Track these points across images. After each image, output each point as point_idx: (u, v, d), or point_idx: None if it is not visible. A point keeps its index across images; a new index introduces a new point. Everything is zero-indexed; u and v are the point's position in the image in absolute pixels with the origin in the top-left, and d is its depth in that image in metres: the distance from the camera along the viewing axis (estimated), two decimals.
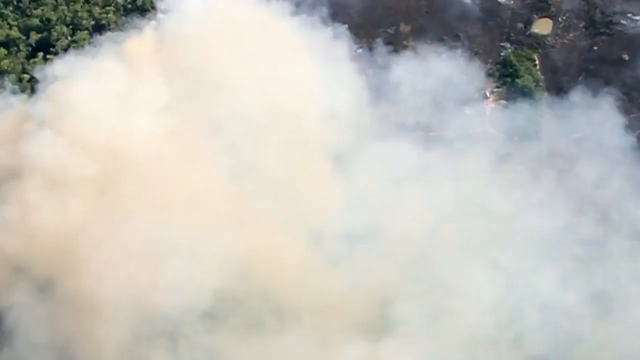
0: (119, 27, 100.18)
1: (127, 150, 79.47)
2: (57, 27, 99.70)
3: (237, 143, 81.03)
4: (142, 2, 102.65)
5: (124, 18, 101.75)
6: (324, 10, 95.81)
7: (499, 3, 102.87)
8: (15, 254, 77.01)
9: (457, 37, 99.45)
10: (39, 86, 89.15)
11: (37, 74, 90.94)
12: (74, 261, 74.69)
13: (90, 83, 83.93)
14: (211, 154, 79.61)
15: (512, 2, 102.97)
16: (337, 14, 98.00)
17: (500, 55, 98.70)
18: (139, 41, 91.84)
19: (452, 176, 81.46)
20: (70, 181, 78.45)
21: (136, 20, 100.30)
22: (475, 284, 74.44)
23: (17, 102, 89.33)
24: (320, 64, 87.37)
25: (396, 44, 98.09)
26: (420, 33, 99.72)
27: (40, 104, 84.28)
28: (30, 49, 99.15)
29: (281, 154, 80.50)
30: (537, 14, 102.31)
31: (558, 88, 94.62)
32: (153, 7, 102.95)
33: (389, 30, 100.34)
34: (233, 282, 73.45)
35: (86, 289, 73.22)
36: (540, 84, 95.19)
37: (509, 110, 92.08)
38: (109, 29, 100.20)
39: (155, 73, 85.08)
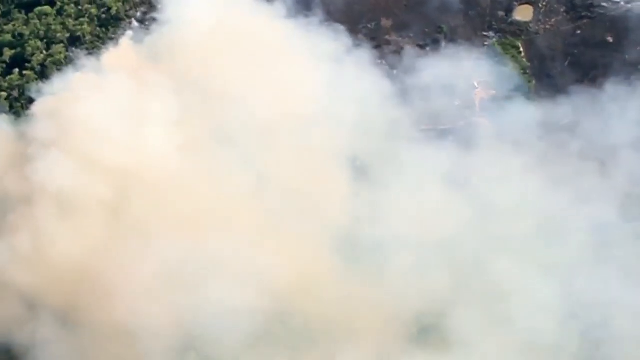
0: (95, 38, 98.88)
1: (142, 168, 76.23)
2: (31, 42, 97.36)
3: (256, 154, 78.83)
4: (117, 11, 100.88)
5: (99, 29, 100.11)
6: (306, 7, 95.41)
7: None
8: (30, 287, 73.15)
9: (439, 29, 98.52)
10: (33, 105, 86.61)
11: (33, 93, 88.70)
12: (100, 290, 71.09)
13: (94, 98, 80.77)
14: (231, 167, 76.95)
15: None
16: (316, 10, 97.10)
17: (484, 45, 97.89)
18: (135, 51, 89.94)
19: (489, 175, 79.57)
20: (84, 205, 75.05)
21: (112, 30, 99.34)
22: (532, 286, 71.82)
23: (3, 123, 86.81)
24: (326, 65, 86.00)
25: (379, 39, 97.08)
26: (401, 27, 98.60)
27: (41, 124, 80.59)
28: (4, 65, 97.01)
29: (304, 164, 78.25)
30: (517, 1, 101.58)
31: (545, 74, 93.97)
32: (127, 16, 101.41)
33: (369, 26, 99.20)
34: (276, 302, 70.59)
35: (119, 318, 69.56)
36: (527, 71, 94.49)
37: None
38: (85, 41, 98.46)
39: (161, 84, 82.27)
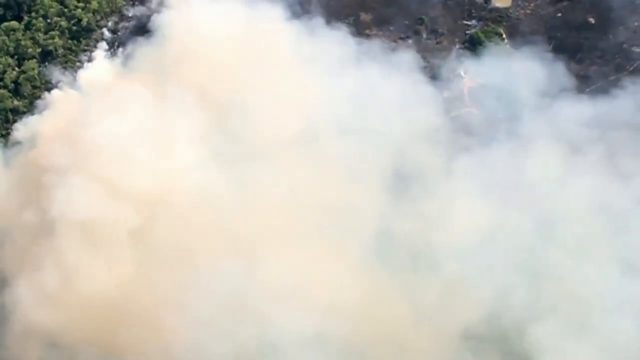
0: (68, 51, 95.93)
1: (171, 190, 71.64)
2: (2, 59, 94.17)
3: (291, 167, 74.44)
4: (87, 22, 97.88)
5: (71, 42, 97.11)
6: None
7: None
8: (61, 328, 68.34)
9: (420, 21, 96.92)
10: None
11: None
12: (146, 326, 66.55)
13: (110, 117, 75.23)
14: (265, 183, 72.90)
15: None
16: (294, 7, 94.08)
17: (466, 34, 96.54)
18: (140, 64, 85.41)
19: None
20: (113, 234, 70.10)
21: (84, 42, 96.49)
22: (613, 290, 68.82)
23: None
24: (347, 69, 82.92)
25: (360, 34, 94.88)
26: (381, 21, 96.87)
27: (55, 149, 75.11)
28: None
29: (343, 175, 74.59)
30: None
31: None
32: (99, 27, 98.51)
33: (348, 21, 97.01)
34: (343, 325, 66.72)
35: (174, 356, 65.56)
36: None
37: None
38: (57, 55, 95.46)
39: (178, 98, 77.52)
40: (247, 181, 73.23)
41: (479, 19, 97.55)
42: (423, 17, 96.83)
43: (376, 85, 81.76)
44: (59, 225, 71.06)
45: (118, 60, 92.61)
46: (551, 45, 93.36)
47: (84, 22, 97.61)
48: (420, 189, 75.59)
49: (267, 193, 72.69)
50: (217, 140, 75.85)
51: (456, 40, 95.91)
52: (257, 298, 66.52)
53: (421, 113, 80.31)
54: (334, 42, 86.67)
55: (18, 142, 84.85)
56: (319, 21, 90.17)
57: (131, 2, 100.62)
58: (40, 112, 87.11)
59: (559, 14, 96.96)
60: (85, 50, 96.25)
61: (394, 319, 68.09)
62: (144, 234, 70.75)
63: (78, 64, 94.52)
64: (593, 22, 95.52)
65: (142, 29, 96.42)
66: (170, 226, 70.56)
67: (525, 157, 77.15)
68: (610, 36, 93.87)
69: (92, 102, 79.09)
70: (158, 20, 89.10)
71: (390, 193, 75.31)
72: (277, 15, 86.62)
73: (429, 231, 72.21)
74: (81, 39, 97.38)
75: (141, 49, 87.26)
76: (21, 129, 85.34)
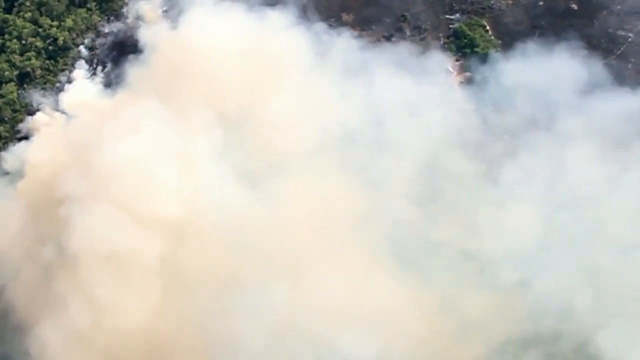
0: (46, 72, 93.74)
1: (199, 213, 67.91)
2: None
3: (321, 182, 71.48)
4: (63, 41, 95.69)
5: (48, 62, 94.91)
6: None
7: None
8: None
9: (402, 18, 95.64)
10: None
11: None
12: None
13: (126, 141, 70.69)
14: (298, 200, 69.74)
15: None
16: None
17: (450, 28, 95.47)
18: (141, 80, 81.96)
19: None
20: (142, 264, 66.36)
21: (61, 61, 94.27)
22: None
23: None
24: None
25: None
26: (363, 21, 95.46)
27: (70, 178, 70.48)
28: None
29: (377, 186, 71.99)
30: None
31: (517, 49, 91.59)
32: (75, 45, 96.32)
33: (330, 23, 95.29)
34: (405, 343, 64.52)
35: None
36: (499, 49, 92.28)
37: None
38: (35, 77, 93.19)
39: (192, 115, 74.08)
40: (276, 196, 70.59)
41: (461, 12, 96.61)
42: (405, 14, 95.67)
43: (399, 91, 79.63)
44: (83, 259, 67.47)
45: (101, 79, 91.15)
46: (536, 34, 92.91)
47: (60, 41, 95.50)
48: (461, 195, 73.89)
49: (298, 207, 70.23)
50: (237, 155, 73.04)
51: (440, 35, 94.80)
52: (310, 321, 63.46)
53: (453, 117, 78.82)
54: (342, 48, 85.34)
55: (8, 172, 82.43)
56: (321, 27, 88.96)
57: (106, 18, 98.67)
58: (25, 137, 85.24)
59: (541, 2, 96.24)
60: (63, 70, 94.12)
61: (451, 330, 66.45)
62: (174, 261, 67.59)
63: (58, 84, 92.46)
64: (576, 8, 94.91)
65: (120, 45, 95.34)
66: (201, 250, 67.43)
67: (565, 156, 75.57)
68: (595, 21, 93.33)
69: (103, 124, 74.67)
70: (155, 36, 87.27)
71: (427, 201, 73.55)
72: (279, 22, 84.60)
73: (478, 239, 70.44)
74: (58, 59, 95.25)
75: (136, 66, 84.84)
76: (9, 157, 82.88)
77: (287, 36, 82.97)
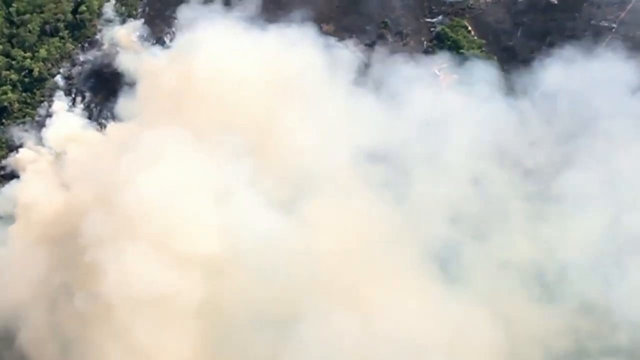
0: (23, 105, 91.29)
1: (240, 247, 63.21)
2: None
3: (371, 202, 68.69)
4: (39, 72, 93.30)
5: (25, 95, 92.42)
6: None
7: None
8: None
9: (383, 25, 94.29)
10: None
11: None
12: None
13: (147, 175, 65.96)
14: (340, 222, 66.23)
15: None
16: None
17: (432, 31, 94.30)
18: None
19: None
20: (182, 306, 62.27)
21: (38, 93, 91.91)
22: None
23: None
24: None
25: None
26: (344, 30, 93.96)
27: (93, 220, 65.30)
28: None
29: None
30: None
31: (502, 48, 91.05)
32: (51, 75, 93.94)
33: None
34: None
35: None
36: (484, 48, 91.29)
37: None
38: (13, 110, 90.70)
39: (221, 142, 69.24)
40: (313, 221, 67.38)
41: (441, 15, 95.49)
42: (386, 20, 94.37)
43: (432, 104, 77.84)
44: (119, 305, 63.57)
45: (82, 110, 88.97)
46: (519, 32, 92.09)
47: (35, 73, 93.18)
48: (517, 210, 71.75)
49: (338, 231, 66.83)
50: (266, 181, 69.33)
51: (422, 39, 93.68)
52: (387, 350, 60.71)
53: (494, 129, 76.10)
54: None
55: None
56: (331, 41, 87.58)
57: (80, 46, 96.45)
58: (11, 175, 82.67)
59: None
60: (41, 101, 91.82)
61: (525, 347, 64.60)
62: (217, 300, 63.89)
63: (38, 118, 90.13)
64: (556, 2, 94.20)
65: (98, 73, 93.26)
66: (247, 286, 63.71)
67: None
68: (576, 14, 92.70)
69: (121, 158, 69.68)
70: (146, 62, 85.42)
71: (476, 219, 71.60)
72: (285, 39, 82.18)
73: (543, 254, 68.62)
74: (35, 91, 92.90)
75: (128, 95, 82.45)
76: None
77: (300, 54, 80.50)
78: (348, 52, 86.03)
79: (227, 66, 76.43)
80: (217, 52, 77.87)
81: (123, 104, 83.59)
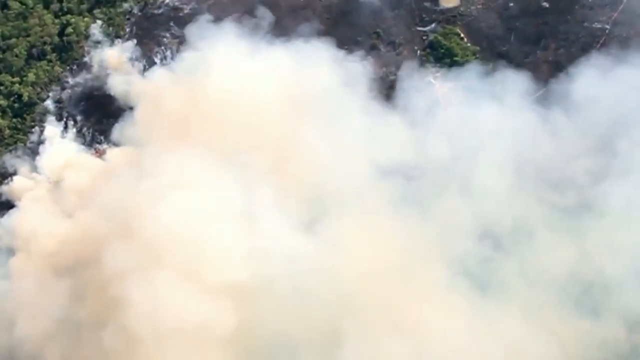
0: (14, 131, 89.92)
1: (270, 273, 61.32)
2: None
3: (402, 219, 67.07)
4: (28, 97, 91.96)
5: (15, 120, 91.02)
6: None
7: None
8: None
9: (375, 35, 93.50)
10: None
11: None
12: None
13: (176, 197, 63.57)
14: (371, 241, 64.83)
15: None
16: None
17: (424, 39, 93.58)
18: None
19: None
20: (215, 335, 60.12)
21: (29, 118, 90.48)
22: None
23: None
24: None
25: None
26: (335, 41, 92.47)
27: (117, 251, 62.69)
28: None
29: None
30: None
31: (497, 54, 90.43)
32: (40, 99, 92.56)
33: None
34: None
35: None
36: (478, 55, 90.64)
37: None
38: (3, 137, 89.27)
39: (242, 165, 67.53)
40: (343, 242, 65.77)
41: (433, 23, 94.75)
42: (378, 30, 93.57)
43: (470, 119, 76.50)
44: (149, 338, 61.55)
45: (74, 134, 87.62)
46: (512, 36, 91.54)
47: (25, 97, 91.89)
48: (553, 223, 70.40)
49: (370, 251, 65.25)
50: (290, 202, 67.76)
51: (415, 48, 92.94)
52: None
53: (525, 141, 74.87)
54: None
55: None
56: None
57: (69, 69, 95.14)
58: (6, 203, 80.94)
59: (512, 4, 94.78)
60: (32, 126, 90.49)
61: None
62: (252, 328, 61.92)
63: (30, 144, 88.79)
64: (548, 5, 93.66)
65: (89, 96, 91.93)
66: (283, 313, 61.72)
67: None
68: (569, 17, 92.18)
69: (138, 183, 67.61)
70: (148, 84, 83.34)
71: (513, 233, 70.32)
72: (294, 55, 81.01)
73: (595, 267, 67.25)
74: (25, 116, 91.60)
75: (127, 119, 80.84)
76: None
77: (314, 70, 79.08)
78: (361, 66, 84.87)
79: (240, 85, 74.80)
80: (228, 71, 76.27)
81: (119, 128, 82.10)
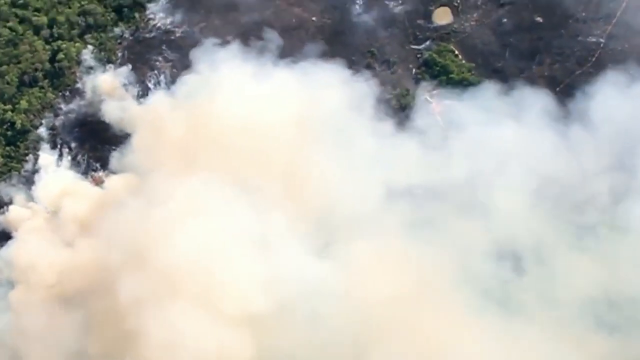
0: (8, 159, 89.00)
1: (290, 303, 60.07)
2: None
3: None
4: (21, 124, 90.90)
5: (8, 148, 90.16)
6: None
7: (390, 9, 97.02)
8: None
9: (370, 54, 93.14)
10: None
11: None
12: None
13: (190, 226, 62.04)
14: (393, 265, 63.61)
15: (400, 5, 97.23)
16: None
17: (418, 57, 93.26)
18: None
19: None
20: None
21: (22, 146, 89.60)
22: None
23: None
24: None
25: None
26: (329, 60, 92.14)
27: (130, 282, 61.09)
28: None
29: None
30: (431, 6, 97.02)
31: (492, 70, 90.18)
32: (34, 127, 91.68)
33: None
34: None
35: None
36: (473, 72, 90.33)
37: None
38: None
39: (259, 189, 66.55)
40: (361, 267, 64.33)
41: (427, 40, 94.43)
42: (372, 49, 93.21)
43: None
44: None
45: (69, 162, 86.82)
46: (507, 52, 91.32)
47: (18, 125, 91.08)
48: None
49: (389, 275, 63.79)
50: (302, 226, 66.29)
51: (410, 66, 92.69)
52: None
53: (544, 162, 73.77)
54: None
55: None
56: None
57: (61, 95, 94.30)
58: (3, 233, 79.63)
59: (505, 20, 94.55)
60: (26, 154, 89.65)
61: None
62: (271, 358, 60.98)
63: (24, 172, 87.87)
64: (541, 20, 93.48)
65: (83, 123, 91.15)
66: (300, 341, 60.76)
67: None
68: (563, 31, 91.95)
69: (151, 211, 65.84)
70: (149, 110, 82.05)
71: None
72: (302, 77, 79.89)
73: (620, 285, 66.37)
74: (19, 144, 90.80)
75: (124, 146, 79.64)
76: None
77: (320, 90, 78.15)
78: (367, 86, 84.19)
79: (246, 108, 73.83)
80: (233, 94, 75.36)
81: (117, 155, 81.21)
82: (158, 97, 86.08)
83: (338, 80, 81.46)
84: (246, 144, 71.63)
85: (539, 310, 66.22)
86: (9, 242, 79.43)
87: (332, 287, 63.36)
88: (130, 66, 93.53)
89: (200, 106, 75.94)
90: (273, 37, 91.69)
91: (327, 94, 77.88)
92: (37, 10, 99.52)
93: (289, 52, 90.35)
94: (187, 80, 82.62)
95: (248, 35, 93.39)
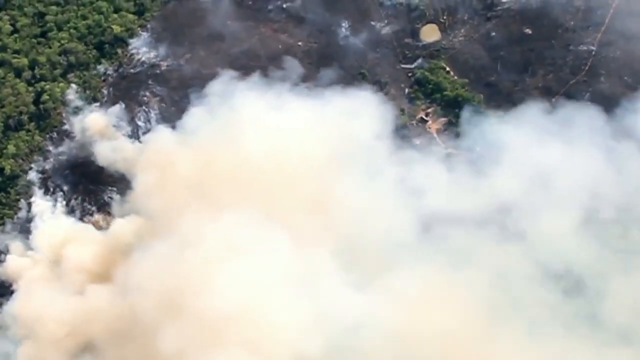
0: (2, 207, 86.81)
1: (341, 344, 57.74)
2: None
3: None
4: (10, 170, 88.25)
5: None
6: None
7: (377, 30, 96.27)
8: None
9: (361, 75, 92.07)
10: None
11: None
12: None
13: (233, 266, 58.92)
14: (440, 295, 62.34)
15: (387, 25, 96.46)
16: None
17: (410, 77, 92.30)
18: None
19: None
20: None
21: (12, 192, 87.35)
22: None
23: None
24: None
25: None
26: (321, 84, 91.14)
27: (170, 331, 58.03)
28: None
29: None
30: (418, 24, 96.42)
31: (485, 84, 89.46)
32: (23, 172, 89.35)
33: None
34: None
35: None
36: (467, 87, 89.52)
37: None
38: None
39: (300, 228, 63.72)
40: (408, 298, 62.23)
41: (417, 59, 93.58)
42: (363, 71, 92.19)
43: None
44: None
45: (63, 206, 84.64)
46: (498, 65, 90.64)
47: (7, 171, 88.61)
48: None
49: (439, 304, 62.23)
50: (344, 260, 63.50)
51: (402, 85, 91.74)
52: None
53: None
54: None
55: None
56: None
57: (48, 137, 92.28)
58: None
59: (493, 33, 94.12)
60: (17, 200, 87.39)
61: None
62: None
63: (17, 219, 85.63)
64: (531, 32, 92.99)
65: (74, 165, 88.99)
66: None
67: None
68: (553, 41, 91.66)
69: (183, 254, 62.23)
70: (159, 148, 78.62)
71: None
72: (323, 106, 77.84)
73: None
74: (9, 190, 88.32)
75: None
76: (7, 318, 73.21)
77: (340, 119, 76.06)
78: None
79: (265, 141, 71.87)
80: (247, 127, 73.41)
81: (118, 199, 79.22)
82: (159, 134, 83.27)
83: (351, 107, 79.32)
84: (269, 178, 69.60)
85: (589, 332, 64.79)
86: (13, 295, 76.35)
87: (380, 322, 61.30)
88: (122, 105, 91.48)
89: (214, 141, 73.46)
90: (258, 64, 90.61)
91: (349, 122, 76.11)
92: (16, 52, 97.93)
93: (306, 78, 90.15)
94: (193, 114, 79.94)
95: (234, 65, 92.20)
